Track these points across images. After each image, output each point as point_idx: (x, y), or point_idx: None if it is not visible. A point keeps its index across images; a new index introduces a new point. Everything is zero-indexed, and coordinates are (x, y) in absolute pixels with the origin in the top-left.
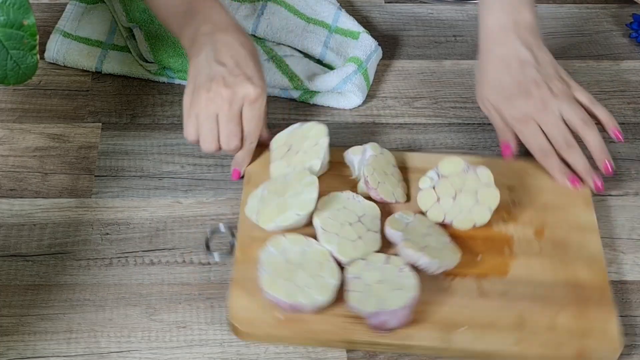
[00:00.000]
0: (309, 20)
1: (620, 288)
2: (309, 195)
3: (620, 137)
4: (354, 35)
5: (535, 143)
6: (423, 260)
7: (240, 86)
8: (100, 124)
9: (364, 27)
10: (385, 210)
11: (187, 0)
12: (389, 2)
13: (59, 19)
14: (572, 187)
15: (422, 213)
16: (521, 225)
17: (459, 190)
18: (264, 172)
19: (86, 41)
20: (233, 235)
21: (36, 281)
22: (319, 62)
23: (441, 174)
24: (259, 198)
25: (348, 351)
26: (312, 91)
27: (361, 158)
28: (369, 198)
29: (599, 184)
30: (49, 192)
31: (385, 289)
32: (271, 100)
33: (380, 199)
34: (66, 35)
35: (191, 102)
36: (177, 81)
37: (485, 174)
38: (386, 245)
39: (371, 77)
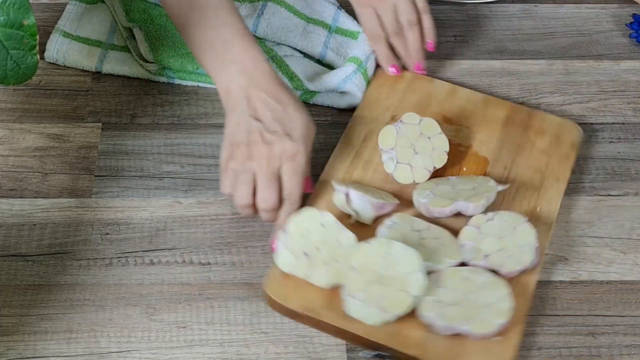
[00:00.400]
0: (309, 20)
1: (620, 288)
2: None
3: (433, 47)
4: (353, 35)
5: (369, 27)
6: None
7: (278, 143)
8: (100, 124)
9: None
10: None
11: (222, 39)
12: None
13: (58, 19)
14: (393, 73)
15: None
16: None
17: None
18: None
19: (86, 41)
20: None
21: (36, 281)
22: (319, 62)
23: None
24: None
25: (348, 351)
26: (312, 91)
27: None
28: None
29: (421, 65)
30: (49, 192)
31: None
32: None
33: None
34: (66, 35)
35: (228, 157)
36: (176, 81)
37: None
38: None
39: (370, 77)
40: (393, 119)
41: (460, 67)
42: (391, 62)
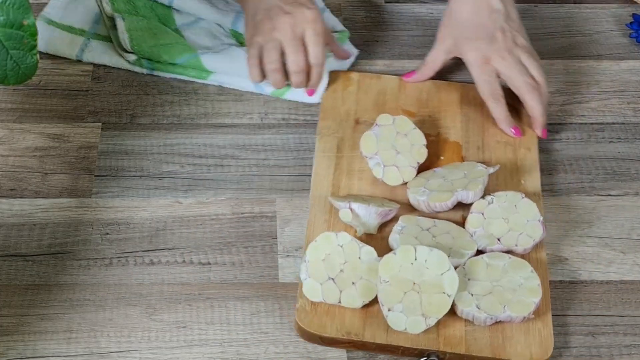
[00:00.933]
0: None
1: (620, 288)
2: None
3: (544, 134)
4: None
5: (488, 87)
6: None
7: (297, 11)
8: (100, 123)
9: (364, 26)
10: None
11: None
12: (388, 2)
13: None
14: (515, 136)
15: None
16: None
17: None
18: None
19: (69, 29)
20: None
21: (36, 281)
22: None
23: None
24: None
25: (348, 351)
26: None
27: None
28: None
29: (545, 132)
30: (49, 192)
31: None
32: (263, 98)
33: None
34: (50, 22)
35: (252, 34)
36: (155, 72)
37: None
38: None
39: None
40: (357, 123)
41: (462, 67)
42: (513, 125)
